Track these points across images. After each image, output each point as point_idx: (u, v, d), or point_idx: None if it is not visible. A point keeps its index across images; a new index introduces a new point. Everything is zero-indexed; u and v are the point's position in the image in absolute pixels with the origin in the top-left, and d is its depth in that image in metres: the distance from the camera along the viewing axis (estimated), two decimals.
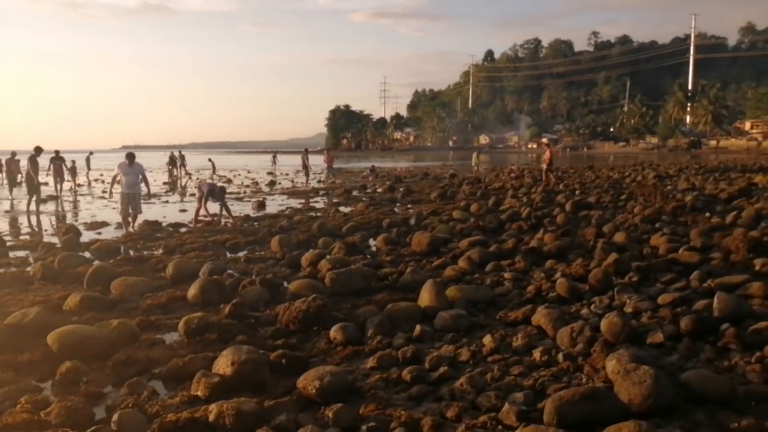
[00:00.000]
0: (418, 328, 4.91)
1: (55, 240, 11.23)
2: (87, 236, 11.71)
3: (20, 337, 4.88)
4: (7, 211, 17.33)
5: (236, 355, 3.95)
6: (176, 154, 35.76)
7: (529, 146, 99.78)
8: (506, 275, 6.87)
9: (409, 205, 16.82)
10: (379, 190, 22.98)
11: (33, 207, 16.27)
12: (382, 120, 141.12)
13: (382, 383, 3.99)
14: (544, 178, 22.00)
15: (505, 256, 7.98)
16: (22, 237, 11.96)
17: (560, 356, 4.22)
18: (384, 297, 6.08)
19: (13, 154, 22.28)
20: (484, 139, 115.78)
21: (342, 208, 16.20)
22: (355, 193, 21.68)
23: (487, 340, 4.65)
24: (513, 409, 3.31)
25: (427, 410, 3.57)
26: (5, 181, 22.10)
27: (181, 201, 19.58)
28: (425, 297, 5.61)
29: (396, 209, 15.87)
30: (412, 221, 12.21)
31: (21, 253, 9.92)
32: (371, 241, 10.19)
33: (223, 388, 3.78)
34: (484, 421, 3.33)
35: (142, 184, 12.22)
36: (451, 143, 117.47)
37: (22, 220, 15.12)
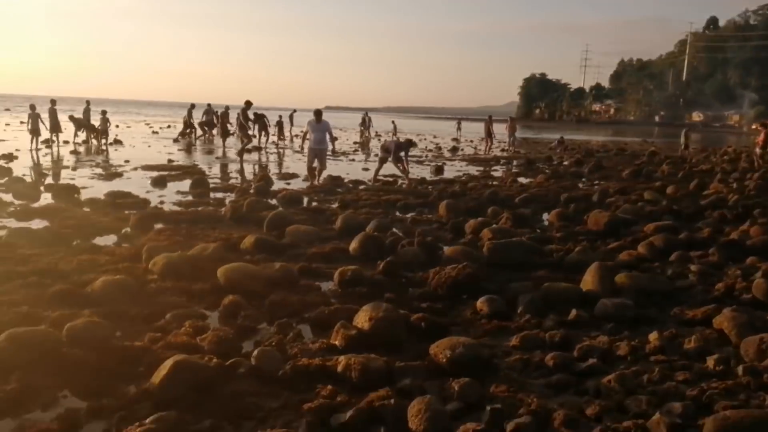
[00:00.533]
0: (573, 312, 4.50)
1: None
2: (278, 185, 12.73)
3: (198, 268, 5.42)
4: (217, 158, 19.54)
5: (375, 312, 3.95)
6: (366, 116, 37.29)
7: (753, 127, 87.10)
8: (693, 267, 6.02)
9: (596, 181, 15.66)
10: (566, 163, 21.74)
11: (241, 155, 18.06)
12: (580, 90, 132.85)
13: (520, 364, 3.71)
14: (756, 163, 19.03)
15: (696, 246, 7.03)
16: (225, 181, 13.36)
17: (740, 369, 3.56)
18: (543, 274, 5.69)
19: (227, 108, 24.96)
20: (697, 116, 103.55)
21: (521, 179, 15.60)
22: (538, 164, 20.77)
23: (653, 336, 4.09)
24: (665, 420, 2.84)
25: (564, 402, 3.23)
26: (220, 132, 24.85)
27: (365, 160, 20.38)
28: (588, 280, 5.13)
29: (580, 184, 14.85)
30: (595, 198, 11.33)
31: (220, 195, 11.08)
32: (544, 216, 9.64)
33: (358, 342, 3.81)
34: (627, 427, 2.91)
35: (329, 141, 12.86)
36: (657, 118, 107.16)
37: (231, 166, 16.92)
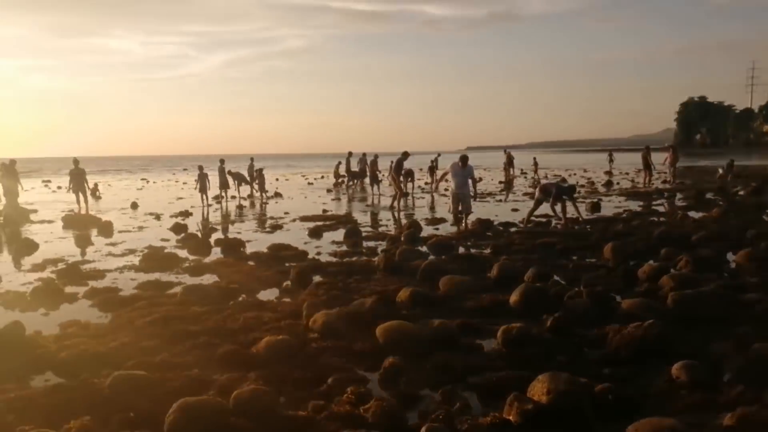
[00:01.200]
0: None
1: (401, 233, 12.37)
2: (426, 231, 12.62)
3: (357, 325, 5.31)
4: (368, 206, 20.04)
5: (554, 383, 3.49)
6: (508, 153, 36.50)
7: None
8: None
9: None
10: (742, 192, 19.39)
11: (395, 204, 18.08)
12: (748, 111, 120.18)
13: None
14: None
15: None
16: (376, 229, 13.51)
17: None
18: (747, 331, 4.82)
19: (373, 155, 25.69)
20: None
21: (691, 213, 14.06)
22: (708, 195, 18.71)
23: None
24: None
25: None
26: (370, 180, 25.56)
27: (513, 200, 19.71)
28: None
29: (765, 218, 13.03)
30: None
31: (372, 243, 11.17)
32: (730, 256, 8.44)
33: (536, 418, 3.38)
34: None
35: (471, 186, 12.57)
36: None
37: (381, 214, 17.22)
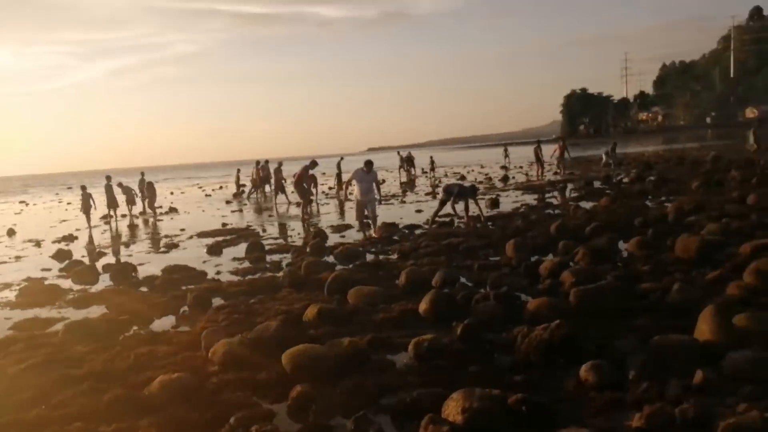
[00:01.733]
0: (699, 374, 3.78)
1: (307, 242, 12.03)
2: (332, 239, 12.38)
3: (261, 352, 4.97)
4: (270, 216, 19.47)
5: (467, 401, 3.37)
6: (404, 154, 36.99)
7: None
8: None
9: (664, 198, 14.68)
10: (626, 180, 20.73)
11: (305, 213, 17.51)
12: (624, 101, 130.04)
13: None
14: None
15: None
16: (280, 240, 13.08)
17: None
18: (646, 323, 4.98)
19: (277, 162, 25.09)
20: (752, 113, 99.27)
21: (583, 204, 14.78)
22: (596, 184, 19.84)
23: None
24: None
25: None
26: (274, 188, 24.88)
27: (416, 201, 19.91)
28: (704, 328, 4.39)
29: (648, 203, 13.93)
30: (671, 218, 10.47)
31: (276, 257, 10.76)
32: (621, 245, 8.86)
33: None
34: None
35: (376, 190, 12.45)
36: (708, 120, 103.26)
37: (283, 223, 16.74)
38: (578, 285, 5.89)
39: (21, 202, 40.70)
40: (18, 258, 13.30)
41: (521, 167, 36.11)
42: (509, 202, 16.99)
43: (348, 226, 14.31)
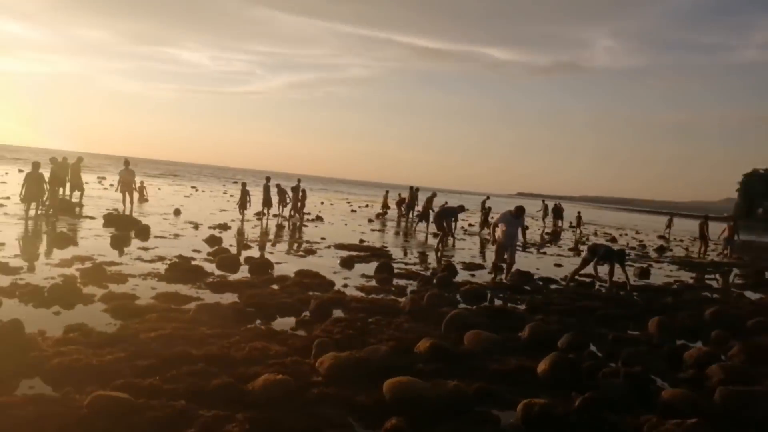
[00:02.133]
0: None
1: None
2: (462, 276, 12.13)
3: (366, 374, 4.89)
4: (407, 241, 19.64)
5: None
6: (552, 204, 35.55)
7: None
8: None
9: None
10: None
11: (440, 246, 17.61)
12: None
13: None
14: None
15: None
16: (412, 266, 13.08)
17: None
18: None
19: (431, 192, 25.16)
20: None
21: (748, 293, 13.10)
22: None
23: None
24: None
25: None
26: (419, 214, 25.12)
27: (557, 255, 18.98)
28: None
29: None
30: None
31: (402, 282, 10.74)
32: None
33: None
34: None
35: (521, 236, 12.04)
36: None
37: (418, 251, 16.78)
38: (727, 383, 5.12)
39: (192, 187, 45.17)
40: (176, 236, 14.63)
41: (682, 241, 33.16)
42: (661, 275, 15.57)
43: (480, 266, 13.97)
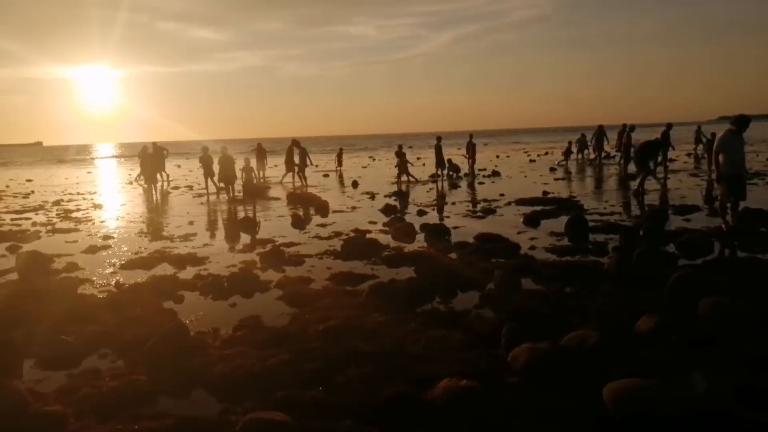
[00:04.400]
0: None
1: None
2: (673, 222, 10.23)
3: (575, 371, 3.78)
4: (597, 188, 17.56)
5: None
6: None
7: None
8: None
9: None
10: None
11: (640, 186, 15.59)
12: None
13: None
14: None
15: None
16: (607, 216, 11.37)
17: None
18: None
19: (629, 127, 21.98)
20: None
21: None
22: None
23: None
24: None
25: None
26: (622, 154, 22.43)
27: None
28: None
29: None
30: None
31: (600, 237, 9.23)
32: None
33: None
34: None
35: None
36: None
37: (615, 195, 14.81)
38: None
39: (370, 157, 46.17)
40: (353, 208, 14.46)
41: None
42: None
43: (695, 208, 11.75)
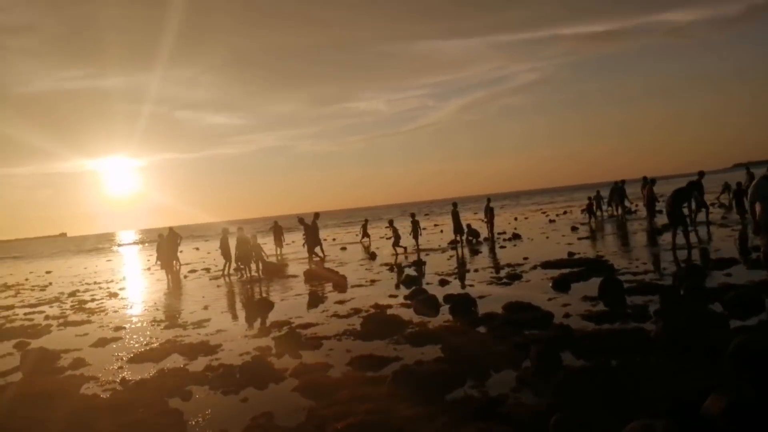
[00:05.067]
0: None
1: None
2: (714, 278, 9.56)
3: None
4: (625, 245, 16.91)
5: None
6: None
7: None
8: None
9: None
10: None
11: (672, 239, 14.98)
12: None
13: None
14: None
15: None
16: (643, 275, 10.72)
17: None
18: None
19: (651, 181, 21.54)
20: None
21: None
22: None
23: None
24: None
25: None
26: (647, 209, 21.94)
27: None
28: None
29: None
30: None
31: (639, 299, 8.58)
32: None
33: None
34: None
35: None
36: None
37: (645, 253, 14.15)
38: None
39: (386, 227, 45.90)
40: (373, 282, 13.94)
41: None
42: None
43: (732, 261, 11.06)
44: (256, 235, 20.41)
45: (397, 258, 19.36)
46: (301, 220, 21.57)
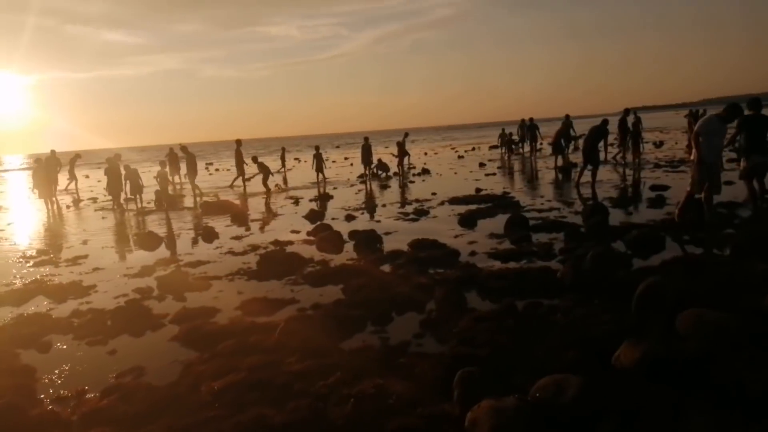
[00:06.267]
0: None
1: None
2: (616, 216, 9.63)
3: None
4: (531, 181, 17.05)
5: None
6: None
7: None
8: None
9: None
10: None
11: (578, 178, 15.14)
12: None
13: None
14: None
15: None
16: (547, 212, 10.68)
17: None
18: None
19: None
20: None
21: None
22: None
23: None
24: None
25: None
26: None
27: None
28: None
29: None
30: None
31: (543, 237, 8.45)
32: None
33: None
34: None
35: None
36: None
37: (548, 190, 14.24)
38: None
39: (295, 158, 44.57)
40: (276, 215, 13.19)
41: None
42: None
43: (626, 200, 11.26)
44: (164, 164, 18.74)
45: (269, 195, 18.10)
46: (184, 148, 19.52)
